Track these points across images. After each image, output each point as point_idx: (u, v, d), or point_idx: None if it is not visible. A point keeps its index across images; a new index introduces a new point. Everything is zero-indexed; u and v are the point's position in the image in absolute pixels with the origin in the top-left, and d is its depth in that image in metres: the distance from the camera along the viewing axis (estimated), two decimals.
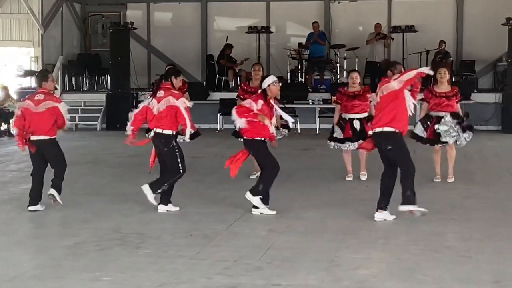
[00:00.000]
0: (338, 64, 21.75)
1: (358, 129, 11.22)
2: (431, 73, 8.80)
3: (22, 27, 22.12)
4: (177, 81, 9.35)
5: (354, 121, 11.30)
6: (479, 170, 12.85)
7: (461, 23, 22.34)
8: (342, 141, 11.34)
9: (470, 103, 19.16)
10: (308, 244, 7.67)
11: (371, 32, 21.53)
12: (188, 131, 9.15)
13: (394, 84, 8.55)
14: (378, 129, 8.65)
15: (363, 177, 11.52)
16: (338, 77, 21.42)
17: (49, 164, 9.48)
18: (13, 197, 10.43)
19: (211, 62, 22.67)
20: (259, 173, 10.15)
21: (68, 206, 9.48)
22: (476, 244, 7.64)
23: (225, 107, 18.78)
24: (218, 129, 19.53)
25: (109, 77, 21.58)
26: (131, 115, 9.28)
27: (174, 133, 9.18)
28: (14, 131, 9.52)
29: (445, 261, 6.97)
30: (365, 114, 11.34)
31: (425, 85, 12.86)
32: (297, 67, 21.74)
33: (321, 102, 19.39)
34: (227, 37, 22.13)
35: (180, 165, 9.13)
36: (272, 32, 22.97)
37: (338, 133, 11.41)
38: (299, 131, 18.39)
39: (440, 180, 11.39)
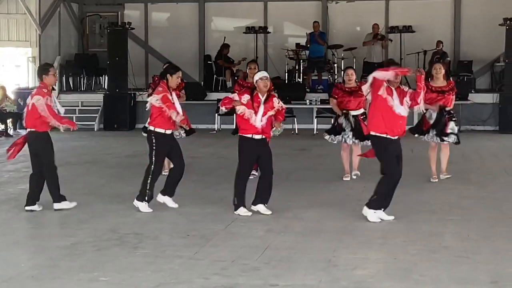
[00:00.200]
0: (335, 65, 21.76)
1: (353, 126, 11.28)
2: (410, 73, 8.78)
3: (19, 27, 22.09)
4: (173, 79, 9.20)
5: (350, 116, 11.34)
6: (477, 170, 12.85)
7: (458, 24, 22.34)
8: (338, 132, 11.38)
9: (468, 104, 19.19)
10: (306, 244, 7.67)
11: (369, 32, 21.53)
12: (174, 116, 9.16)
13: (365, 86, 8.71)
14: (369, 133, 8.82)
15: (355, 176, 11.54)
16: (336, 78, 21.41)
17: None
18: (11, 198, 10.42)
19: (208, 62, 22.67)
20: (257, 173, 10.16)
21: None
22: (474, 244, 7.65)
23: None
24: (216, 129, 19.52)
25: (106, 77, 21.56)
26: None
27: (164, 131, 9.25)
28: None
29: (442, 261, 6.98)
30: (360, 111, 11.39)
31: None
32: (294, 67, 21.74)
33: (319, 103, 19.40)
34: (224, 37, 22.14)
35: (153, 158, 9.25)
36: (269, 32, 22.96)
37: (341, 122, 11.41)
38: (296, 131, 18.40)
39: (437, 180, 11.40)
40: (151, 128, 9.28)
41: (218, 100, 19.63)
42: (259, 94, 8.98)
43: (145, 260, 7.06)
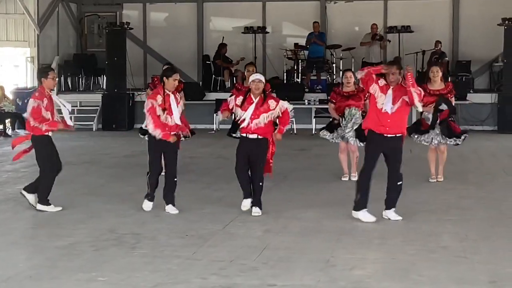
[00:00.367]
0: (334, 65, 21.76)
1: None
2: (383, 71, 8.77)
3: (18, 27, 22.06)
4: (169, 82, 9.12)
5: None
6: (475, 170, 12.85)
7: (457, 24, 22.34)
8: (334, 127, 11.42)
9: (466, 104, 19.19)
10: (304, 245, 7.67)
11: (367, 33, 21.53)
12: (151, 130, 9.12)
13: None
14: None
15: (354, 178, 11.52)
16: (334, 78, 21.41)
17: (59, 163, 9.52)
18: (9, 198, 10.41)
19: (207, 62, 22.65)
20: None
21: (64, 207, 9.46)
22: (472, 244, 7.65)
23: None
24: (214, 129, 19.52)
25: (105, 78, 21.55)
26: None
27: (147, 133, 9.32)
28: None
29: (441, 261, 6.98)
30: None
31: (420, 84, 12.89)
32: (293, 68, 21.73)
33: (317, 103, 19.41)
34: (223, 37, 22.13)
35: (148, 158, 9.36)
36: (268, 33, 22.95)
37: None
38: (295, 132, 18.40)
39: (435, 180, 11.41)
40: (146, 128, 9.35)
41: (217, 100, 19.69)
42: (252, 96, 9.06)
43: (143, 260, 7.06)
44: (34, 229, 8.72)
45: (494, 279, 6.42)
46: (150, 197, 9.39)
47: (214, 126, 19.59)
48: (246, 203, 9.20)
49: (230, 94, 12.09)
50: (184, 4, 23.66)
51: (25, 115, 9.62)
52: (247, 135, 9.06)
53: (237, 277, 6.51)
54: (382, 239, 7.87)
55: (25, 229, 8.70)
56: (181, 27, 23.66)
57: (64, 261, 7.05)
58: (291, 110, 9.24)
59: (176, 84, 9.24)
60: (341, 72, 19.98)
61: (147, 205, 9.37)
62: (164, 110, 9.05)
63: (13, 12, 21.90)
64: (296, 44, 21.89)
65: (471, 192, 10.73)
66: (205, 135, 17.79)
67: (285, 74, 21.81)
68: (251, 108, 9.00)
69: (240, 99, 9.16)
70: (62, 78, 22.16)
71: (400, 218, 8.71)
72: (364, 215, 8.69)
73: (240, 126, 9.21)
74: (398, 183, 8.71)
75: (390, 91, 8.59)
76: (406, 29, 21.58)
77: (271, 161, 9.28)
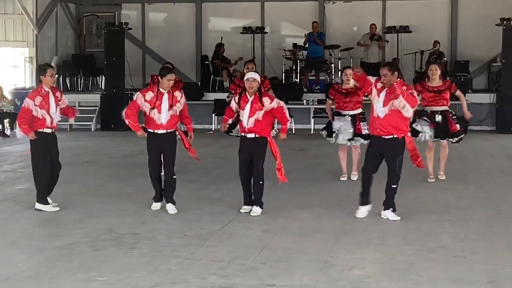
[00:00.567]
0: (332, 65, 21.76)
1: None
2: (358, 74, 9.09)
3: (16, 28, 22.07)
4: (163, 82, 9.13)
5: (347, 117, 11.35)
6: (474, 170, 12.86)
7: (455, 24, 22.36)
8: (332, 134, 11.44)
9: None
10: (303, 245, 7.67)
11: (366, 33, 21.54)
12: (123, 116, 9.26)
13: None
14: None
15: (354, 177, 11.52)
16: (333, 78, 21.42)
17: (55, 162, 9.54)
18: (8, 198, 10.41)
19: (205, 62, 22.66)
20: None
21: (62, 207, 9.47)
22: (471, 244, 7.65)
23: (220, 107, 18.72)
24: (213, 129, 19.51)
25: (103, 78, 21.54)
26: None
27: (149, 131, 9.31)
28: None
29: (439, 262, 6.98)
30: (358, 110, 11.37)
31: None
32: (291, 68, 21.74)
33: (316, 103, 19.40)
34: (221, 37, 22.13)
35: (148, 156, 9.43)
36: (266, 33, 22.97)
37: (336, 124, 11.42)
38: (293, 132, 18.39)
39: (434, 180, 11.41)
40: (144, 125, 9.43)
41: (215, 100, 19.73)
42: (247, 94, 9.09)
43: (142, 260, 7.06)
44: (33, 229, 8.72)
45: (493, 279, 6.42)
46: (155, 198, 9.45)
47: (213, 126, 19.59)
48: (246, 208, 9.21)
49: (228, 90, 12.14)
50: (182, 4, 23.66)
51: None
52: (246, 134, 9.09)
53: (236, 277, 6.51)
54: (381, 239, 7.88)
55: (24, 229, 8.68)
56: (179, 27, 23.67)
57: (63, 261, 7.05)
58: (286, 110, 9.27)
59: (170, 84, 9.21)
60: (340, 72, 20.12)
61: (154, 205, 9.42)
62: (153, 108, 9.10)
63: (12, 12, 21.91)
64: (294, 44, 21.90)
65: (470, 192, 10.74)
66: (204, 135, 17.78)
67: (283, 74, 21.81)
68: (248, 107, 9.04)
69: (237, 97, 9.26)
70: (61, 78, 22.16)
71: (398, 218, 8.72)
72: (359, 211, 8.88)
73: (237, 126, 9.28)
74: (393, 185, 8.74)
75: (382, 94, 8.66)
76: (405, 29, 21.59)
77: (281, 167, 9.26)
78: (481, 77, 22.07)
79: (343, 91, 11.40)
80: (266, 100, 9.06)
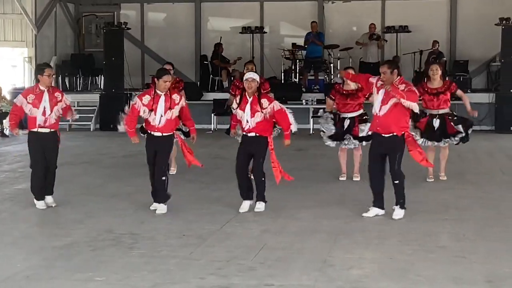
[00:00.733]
0: (332, 65, 21.75)
1: (345, 127, 11.28)
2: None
3: (15, 28, 22.07)
4: (159, 83, 9.06)
5: (345, 120, 11.34)
6: (473, 170, 12.85)
7: (454, 23, 22.36)
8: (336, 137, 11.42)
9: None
10: (302, 244, 7.66)
11: (365, 32, 21.54)
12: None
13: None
14: None
15: (356, 179, 11.51)
16: (332, 78, 21.41)
17: (50, 162, 9.53)
18: (6, 198, 10.40)
19: (204, 62, 22.66)
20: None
21: (61, 206, 9.47)
22: (470, 244, 7.65)
23: (219, 107, 18.79)
24: (212, 129, 19.52)
25: (102, 78, 21.55)
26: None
27: (146, 132, 9.33)
28: None
29: (438, 261, 6.98)
30: (358, 112, 11.35)
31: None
32: (290, 67, 21.73)
33: (315, 103, 19.40)
34: (220, 37, 22.13)
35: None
36: (265, 32, 22.95)
37: (328, 129, 11.40)
38: (292, 132, 18.36)
39: (433, 179, 11.41)
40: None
41: (215, 100, 19.75)
42: (246, 95, 9.11)
43: (141, 260, 7.05)
44: (32, 229, 8.71)
45: (492, 279, 6.42)
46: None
47: (212, 126, 19.59)
48: (245, 205, 9.21)
49: (227, 90, 12.14)
50: (181, 4, 23.66)
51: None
52: (246, 134, 9.17)
53: (234, 277, 6.50)
54: (380, 239, 7.87)
55: (22, 229, 8.67)
56: (178, 27, 23.67)
57: (62, 261, 7.05)
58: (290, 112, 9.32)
59: (167, 86, 9.12)
60: (339, 74, 20.10)
61: (153, 206, 9.39)
62: (150, 110, 9.07)
63: (11, 12, 21.91)
64: (293, 44, 21.89)
65: (469, 192, 10.73)
66: (203, 135, 17.76)
67: (282, 74, 21.81)
68: (247, 108, 9.05)
69: (238, 97, 9.31)
70: (60, 78, 22.16)
71: (399, 217, 8.71)
72: (370, 211, 8.89)
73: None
74: (395, 181, 8.75)
75: (381, 92, 8.68)
76: (404, 29, 21.58)
77: (278, 169, 9.27)
78: (480, 77, 22.08)
79: (344, 92, 11.38)
80: (264, 101, 9.07)
